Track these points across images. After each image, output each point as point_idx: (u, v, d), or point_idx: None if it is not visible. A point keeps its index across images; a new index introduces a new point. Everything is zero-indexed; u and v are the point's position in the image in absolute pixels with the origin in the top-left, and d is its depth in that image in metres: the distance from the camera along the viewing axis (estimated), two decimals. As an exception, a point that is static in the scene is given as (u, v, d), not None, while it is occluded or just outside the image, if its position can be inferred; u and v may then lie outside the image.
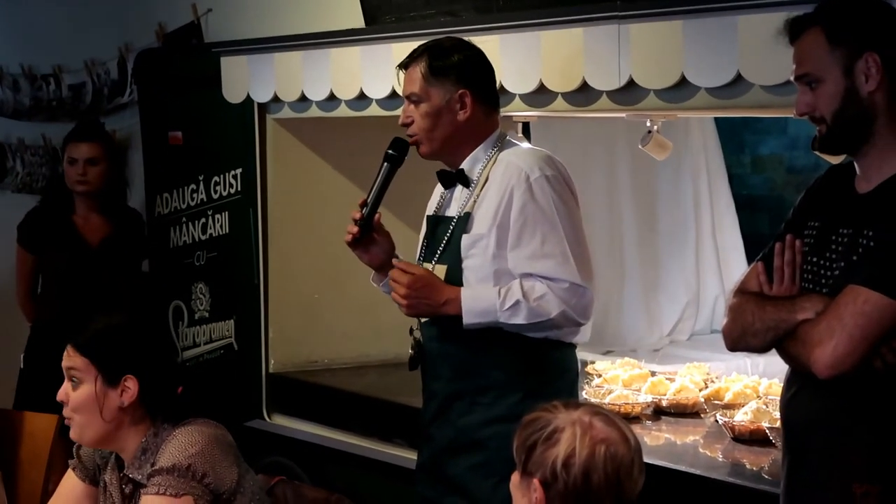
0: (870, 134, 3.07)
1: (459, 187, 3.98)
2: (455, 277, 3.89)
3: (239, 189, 6.00)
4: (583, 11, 4.25)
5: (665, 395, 4.79)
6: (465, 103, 3.91)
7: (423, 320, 4.01)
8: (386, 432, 5.19)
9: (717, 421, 4.49)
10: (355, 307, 5.93)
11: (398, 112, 5.01)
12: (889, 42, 3.06)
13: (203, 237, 6.25)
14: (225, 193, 6.09)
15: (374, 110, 5.17)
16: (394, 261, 3.99)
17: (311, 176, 5.88)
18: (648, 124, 4.83)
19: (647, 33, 4.06)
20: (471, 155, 3.96)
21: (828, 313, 2.99)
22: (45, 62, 7.87)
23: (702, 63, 3.92)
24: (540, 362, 3.88)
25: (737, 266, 6.51)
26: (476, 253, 3.87)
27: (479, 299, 3.82)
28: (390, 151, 4.01)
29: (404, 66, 4.00)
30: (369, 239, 4.03)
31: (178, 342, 6.36)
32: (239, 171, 5.99)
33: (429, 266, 3.95)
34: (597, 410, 2.78)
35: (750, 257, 6.54)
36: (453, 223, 3.93)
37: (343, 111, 5.32)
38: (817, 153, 4.17)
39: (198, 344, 6.27)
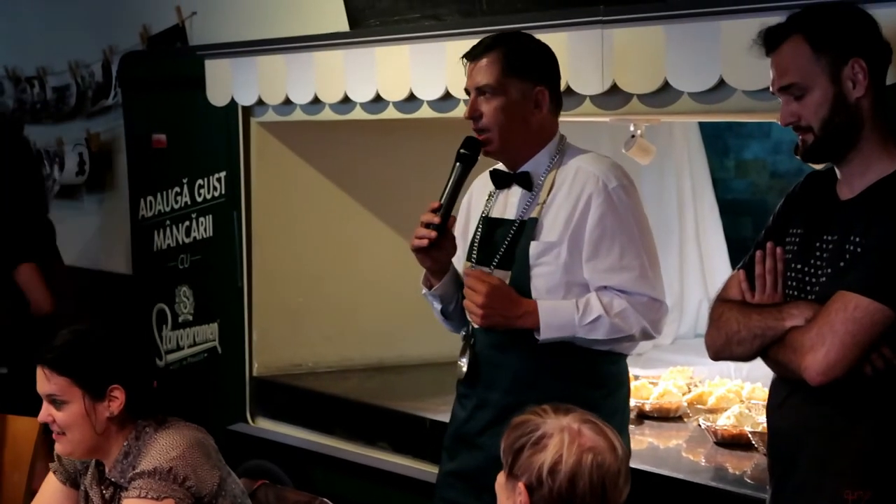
0: (856, 140, 3.06)
1: (515, 189, 3.83)
2: (520, 285, 3.74)
3: (223, 192, 6.00)
4: (566, 16, 4.26)
5: (648, 399, 4.80)
6: (540, 101, 3.77)
7: (476, 327, 3.84)
8: (369, 436, 5.19)
9: (699, 425, 4.50)
10: (339, 311, 5.93)
11: (382, 115, 5.06)
12: (871, 48, 3.06)
13: (187, 240, 6.25)
14: (209, 196, 6.09)
15: (358, 114, 5.16)
16: (466, 268, 3.83)
17: (295, 179, 5.88)
18: (632, 128, 4.84)
19: (630, 38, 4.07)
20: (535, 157, 3.80)
21: (818, 320, 2.98)
22: (29, 64, 7.88)
23: (684, 68, 3.93)
24: (599, 375, 3.77)
25: (720, 270, 6.52)
26: (547, 261, 3.73)
27: (557, 313, 3.68)
28: (463, 150, 3.78)
29: (473, 57, 3.80)
30: (438, 243, 3.78)
31: (161, 346, 6.36)
32: (223, 174, 5.99)
33: (486, 270, 3.80)
34: (586, 418, 2.77)
35: (733, 261, 6.55)
36: (515, 227, 3.79)
37: (327, 114, 5.32)
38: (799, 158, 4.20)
39: (181, 347, 6.26)
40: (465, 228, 3.97)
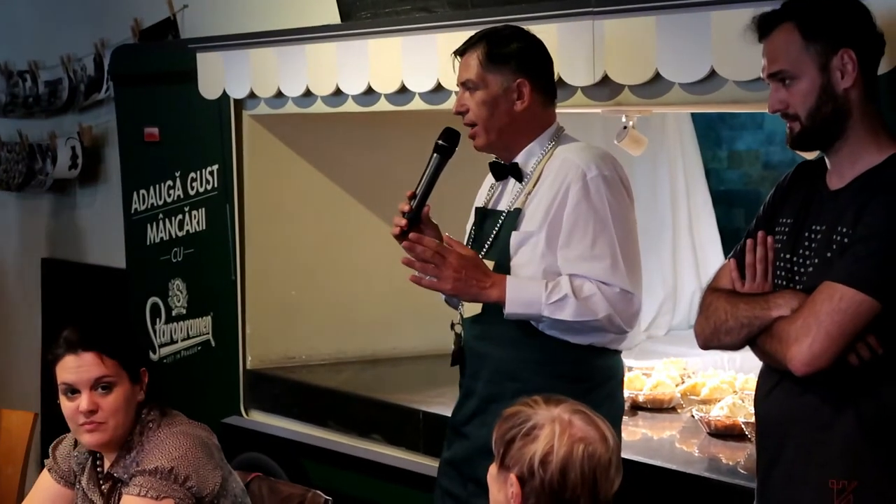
0: (843, 130, 3.06)
1: (511, 181, 3.87)
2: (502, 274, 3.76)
3: (215, 185, 6.00)
4: (557, 7, 4.25)
5: (642, 390, 4.80)
6: (522, 93, 3.79)
7: (465, 317, 3.89)
8: (363, 428, 5.20)
9: (693, 416, 4.50)
10: (332, 304, 5.93)
11: (374, 108, 5.06)
12: (862, 38, 3.06)
13: (180, 234, 6.24)
14: (202, 190, 6.09)
15: (350, 106, 5.16)
16: (445, 237, 3.83)
17: (287, 172, 5.88)
18: (624, 120, 4.83)
19: (621, 29, 4.07)
20: (526, 148, 3.83)
21: (804, 310, 2.98)
22: (21, 58, 7.86)
23: (675, 59, 3.93)
24: (583, 369, 3.77)
25: (713, 261, 6.51)
26: (525, 251, 3.75)
27: (524, 289, 3.69)
28: (440, 142, 3.84)
29: (460, 52, 3.86)
30: (416, 231, 3.82)
31: (155, 339, 6.35)
32: (215, 167, 5.98)
33: None
34: (577, 408, 2.77)
35: (726, 252, 6.53)
36: (502, 218, 3.83)
37: (319, 107, 5.32)
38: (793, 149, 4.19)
39: (175, 341, 6.26)
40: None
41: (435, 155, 3.84)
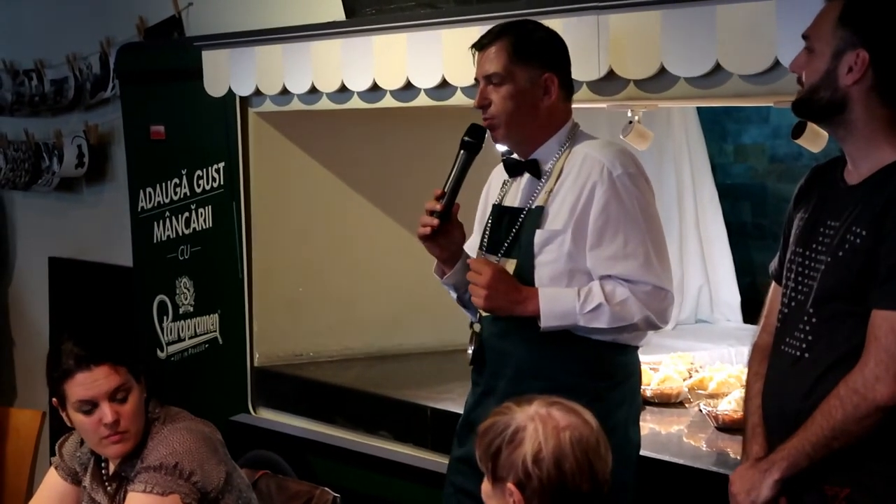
0: (842, 120, 3.04)
1: (526, 177, 3.82)
2: (525, 274, 3.73)
3: (222, 183, 6.00)
4: (562, 2, 4.24)
5: (649, 385, 4.79)
6: (549, 88, 3.75)
7: (484, 315, 3.84)
8: (371, 425, 5.20)
9: (700, 410, 4.50)
10: (339, 301, 5.93)
11: (379, 104, 5.06)
12: (892, 48, 3.00)
13: (187, 231, 6.25)
14: (208, 187, 6.09)
15: (355, 103, 5.16)
16: (478, 255, 3.82)
17: (293, 169, 5.88)
18: (629, 114, 4.83)
19: (626, 24, 4.06)
20: (545, 144, 3.79)
21: (870, 349, 2.94)
22: (26, 57, 7.87)
23: (680, 53, 3.92)
24: (606, 366, 3.74)
25: (720, 255, 6.52)
26: (551, 250, 3.71)
27: (558, 300, 3.66)
28: (467, 138, 3.78)
29: (481, 46, 3.79)
30: (444, 230, 3.80)
31: (162, 337, 6.36)
32: (221, 164, 5.98)
33: (494, 259, 3.79)
34: (552, 401, 2.76)
35: (733, 246, 6.55)
36: (522, 216, 3.77)
37: (324, 104, 5.32)
38: (798, 142, 4.19)
39: (182, 339, 6.26)
40: (483, 217, 3.96)
41: (462, 152, 3.79)
